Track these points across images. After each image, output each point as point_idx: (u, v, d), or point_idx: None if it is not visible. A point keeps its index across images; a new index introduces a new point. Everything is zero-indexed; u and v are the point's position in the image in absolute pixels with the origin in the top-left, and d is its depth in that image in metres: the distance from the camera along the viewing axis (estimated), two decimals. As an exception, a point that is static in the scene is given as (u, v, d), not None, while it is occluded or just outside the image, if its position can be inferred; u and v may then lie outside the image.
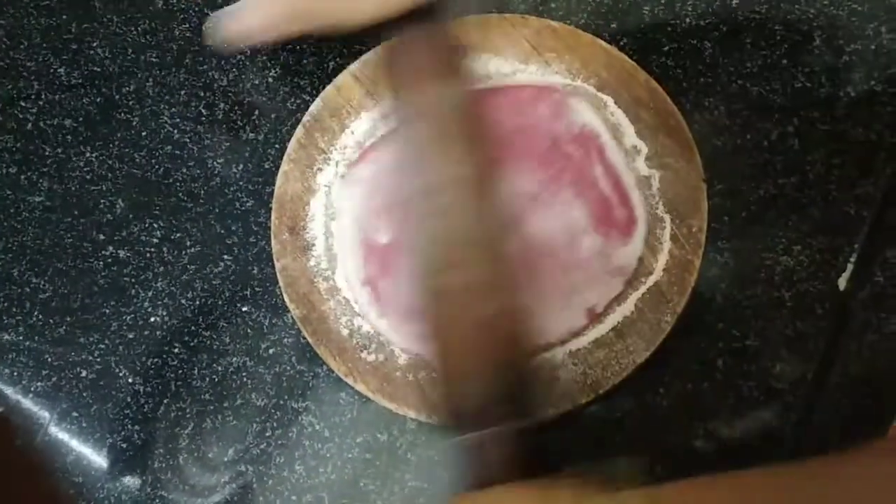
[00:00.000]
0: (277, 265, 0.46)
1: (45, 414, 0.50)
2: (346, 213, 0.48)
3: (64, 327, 0.51)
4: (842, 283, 0.46)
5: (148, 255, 0.52)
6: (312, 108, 0.49)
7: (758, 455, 0.43)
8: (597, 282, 0.45)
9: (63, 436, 0.49)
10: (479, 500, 0.33)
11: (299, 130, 0.49)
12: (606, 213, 0.46)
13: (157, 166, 0.54)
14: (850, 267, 0.46)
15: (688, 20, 0.53)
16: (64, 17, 0.59)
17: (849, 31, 0.52)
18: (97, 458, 0.49)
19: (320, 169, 0.48)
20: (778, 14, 0.53)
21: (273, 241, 0.47)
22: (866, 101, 0.50)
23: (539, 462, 0.36)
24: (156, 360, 0.50)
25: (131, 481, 0.48)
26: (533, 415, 0.36)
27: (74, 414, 0.49)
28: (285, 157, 0.48)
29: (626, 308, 0.44)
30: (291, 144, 0.49)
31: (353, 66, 0.50)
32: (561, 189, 0.47)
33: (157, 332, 0.50)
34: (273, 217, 0.47)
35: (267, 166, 0.52)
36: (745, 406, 0.44)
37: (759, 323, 0.46)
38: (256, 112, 0.54)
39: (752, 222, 0.48)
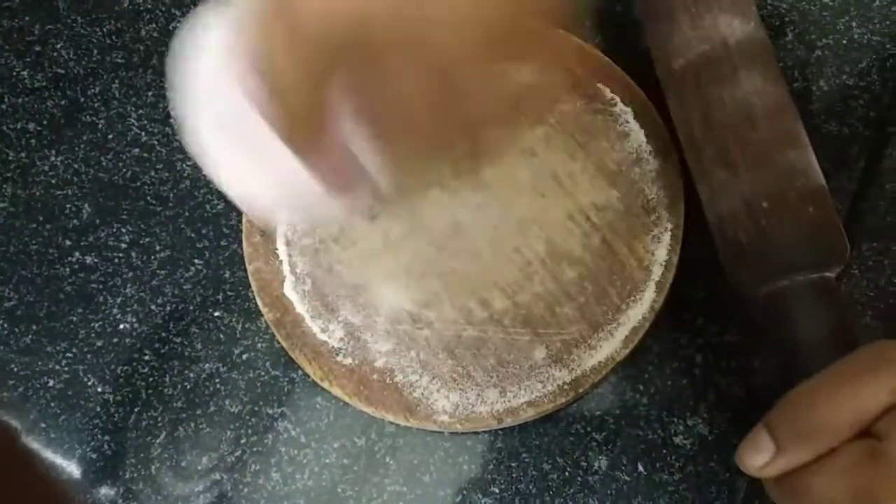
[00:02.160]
0: (249, 268, 0.45)
1: (13, 425, 0.48)
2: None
3: (30, 336, 0.49)
4: (818, 276, 0.46)
5: (116, 260, 0.50)
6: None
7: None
8: (575, 280, 0.44)
9: (31, 447, 0.48)
10: None
11: (270, 130, 0.48)
12: (583, 210, 0.46)
13: (124, 169, 0.52)
14: (825, 260, 0.46)
15: (661, 16, 0.53)
16: (26, 18, 0.57)
17: (820, 26, 0.52)
18: (67, 470, 0.47)
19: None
20: (750, 9, 0.53)
21: (245, 244, 0.46)
22: (839, 95, 0.50)
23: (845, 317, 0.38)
24: (125, 367, 0.48)
25: (103, 493, 0.47)
26: (838, 264, 0.40)
27: (42, 425, 0.48)
28: (256, 158, 0.48)
29: (606, 307, 0.44)
30: (262, 144, 0.48)
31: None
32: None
33: (127, 340, 0.49)
34: (244, 219, 0.46)
35: (238, 168, 0.51)
36: (725, 402, 0.44)
37: (738, 318, 0.46)
38: (226, 113, 0.53)
39: (728, 217, 0.48)
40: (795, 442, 0.31)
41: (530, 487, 0.43)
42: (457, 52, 0.33)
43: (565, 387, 0.42)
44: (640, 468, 0.43)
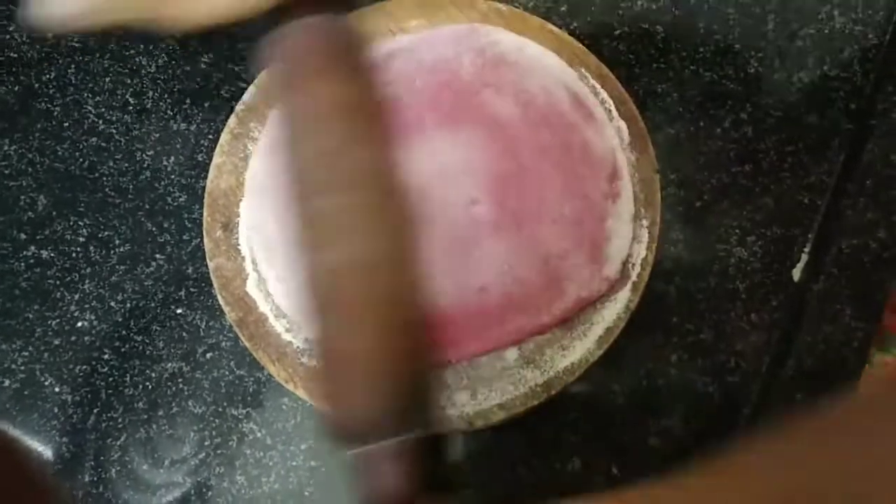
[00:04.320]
0: (210, 265, 0.44)
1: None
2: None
3: (-17, 334, 0.47)
4: (796, 274, 0.45)
5: (73, 255, 0.48)
6: (246, 95, 0.46)
7: (713, 451, 0.42)
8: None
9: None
10: None
11: (232, 120, 0.46)
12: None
13: (81, 159, 0.50)
14: (804, 258, 0.45)
15: (639, 3, 0.51)
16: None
17: (802, 15, 0.51)
18: (32, 464, 0.45)
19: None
20: (731, -3, 0.52)
21: (206, 239, 0.44)
22: (819, 86, 0.49)
23: (438, 478, 0.32)
24: (84, 367, 0.46)
25: (60, 497, 0.45)
26: (432, 425, 0.32)
27: (-3, 427, 0.46)
28: (217, 149, 0.45)
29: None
30: (224, 135, 0.46)
31: (291, 52, 0.47)
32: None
33: (86, 338, 0.47)
34: (205, 213, 0.44)
35: (200, 158, 0.49)
36: (701, 402, 0.43)
37: (713, 316, 0.45)
38: (188, 100, 0.51)
39: (705, 213, 0.47)
40: None
41: (503, 489, 0.43)
42: None
43: (537, 388, 0.41)
44: (615, 470, 0.43)
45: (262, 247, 0.43)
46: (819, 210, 0.46)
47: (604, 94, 0.45)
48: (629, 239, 0.42)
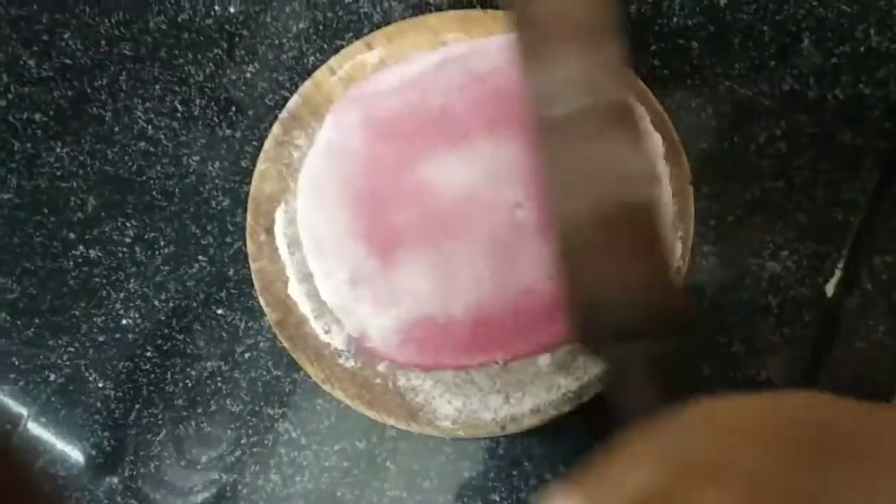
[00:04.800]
0: (253, 267, 0.45)
1: (13, 418, 0.48)
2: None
3: (32, 329, 0.49)
4: (829, 289, 0.45)
5: (120, 255, 0.50)
6: (290, 104, 0.48)
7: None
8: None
9: (30, 442, 0.48)
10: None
11: (276, 128, 0.47)
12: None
13: (129, 163, 0.52)
14: (837, 273, 0.45)
15: (675, 20, 0.52)
16: (34, 7, 0.57)
17: (838, 33, 0.51)
18: (66, 466, 0.47)
19: (297, 169, 0.46)
20: (766, 15, 0.52)
21: (248, 243, 0.46)
22: (854, 104, 0.49)
23: (684, 385, 0.34)
24: (127, 364, 0.48)
25: (102, 489, 0.46)
26: (676, 333, 0.35)
27: (42, 419, 0.48)
28: (261, 156, 0.47)
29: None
30: (268, 142, 0.47)
31: (333, 61, 0.48)
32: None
33: (129, 335, 0.48)
34: (249, 218, 0.46)
35: (244, 164, 0.51)
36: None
37: (745, 329, 0.45)
38: (234, 108, 0.52)
39: (738, 227, 0.47)
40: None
41: (531, 496, 0.43)
42: None
43: (570, 395, 0.42)
44: (644, 479, 0.43)
45: (311, 242, 0.44)
46: (852, 227, 0.46)
47: (640, 108, 0.46)
48: (669, 242, 0.43)
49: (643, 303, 0.34)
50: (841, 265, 0.45)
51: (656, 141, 0.45)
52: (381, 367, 0.43)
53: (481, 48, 0.47)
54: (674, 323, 0.35)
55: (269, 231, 0.46)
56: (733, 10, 0.52)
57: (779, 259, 0.46)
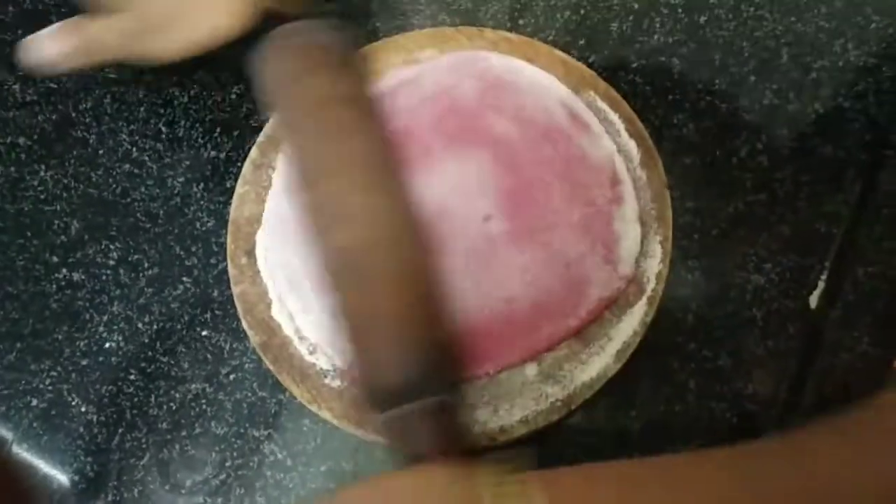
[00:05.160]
0: (235, 290, 0.45)
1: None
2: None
3: (14, 353, 0.49)
4: (813, 301, 0.45)
5: (103, 277, 0.50)
6: (267, 127, 0.48)
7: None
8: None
9: (11, 468, 0.47)
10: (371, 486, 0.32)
11: (253, 151, 0.47)
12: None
13: (114, 185, 0.52)
14: (820, 285, 0.46)
15: (656, 37, 0.53)
16: (19, 31, 0.57)
17: (816, 48, 0.52)
18: (49, 492, 0.46)
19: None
20: (745, 31, 0.53)
21: (230, 266, 0.45)
22: (834, 117, 0.50)
23: (463, 439, 0.34)
24: (110, 387, 0.47)
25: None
26: (457, 386, 0.35)
27: (24, 444, 0.47)
28: (240, 179, 0.47)
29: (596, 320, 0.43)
30: (246, 166, 0.47)
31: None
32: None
33: (113, 359, 0.48)
34: (229, 241, 0.46)
35: (229, 185, 0.51)
36: (718, 428, 0.43)
37: (730, 343, 0.45)
38: (218, 129, 0.53)
39: (722, 240, 0.47)
40: None
41: (520, 514, 0.43)
42: None
43: (558, 403, 0.42)
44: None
45: (286, 281, 0.44)
46: (835, 239, 0.46)
47: (613, 116, 0.46)
48: (637, 239, 0.44)
49: (417, 361, 0.34)
50: (824, 277, 0.46)
51: (631, 147, 0.46)
52: (366, 386, 0.43)
53: (433, 69, 0.47)
54: (448, 377, 0.35)
55: (250, 254, 0.45)
56: (713, 27, 0.53)
57: (763, 272, 0.46)
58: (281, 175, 0.46)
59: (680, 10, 0.53)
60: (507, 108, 0.46)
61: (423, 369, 0.34)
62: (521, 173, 0.44)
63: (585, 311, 0.42)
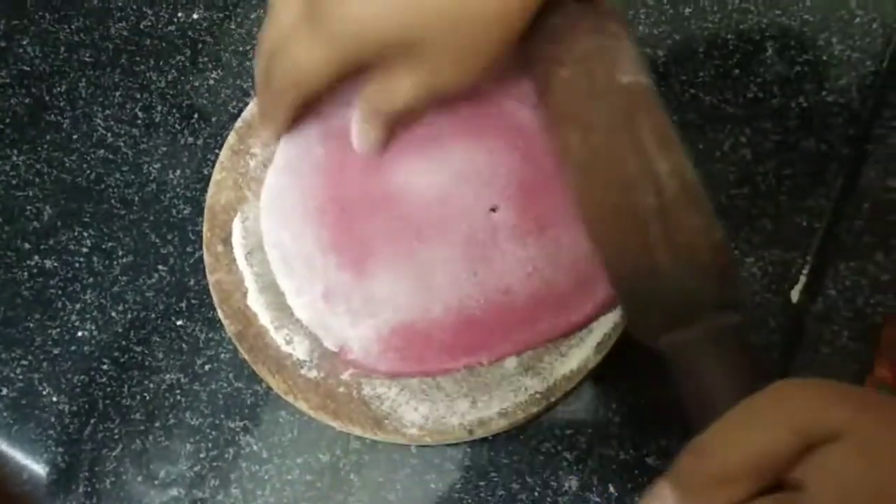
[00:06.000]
0: (210, 279, 0.44)
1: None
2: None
3: (-16, 342, 0.48)
4: (794, 295, 0.45)
5: (76, 265, 0.49)
6: (245, 112, 0.47)
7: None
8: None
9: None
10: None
11: (231, 137, 0.46)
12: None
13: (88, 171, 0.51)
14: (802, 279, 0.45)
15: (641, 28, 0.52)
16: (-11, 12, 0.55)
17: (801, 42, 0.52)
18: (19, 482, 0.45)
19: (253, 178, 0.45)
20: (730, 24, 0.52)
21: (205, 254, 0.44)
22: (818, 111, 0.50)
23: (753, 362, 0.32)
24: (83, 377, 0.47)
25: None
26: (740, 307, 0.32)
27: (-6, 435, 0.46)
28: (217, 165, 0.46)
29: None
30: (223, 151, 0.46)
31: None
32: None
33: (85, 348, 0.47)
34: (205, 229, 0.45)
35: (206, 172, 0.50)
36: (698, 422, 0.43)
37: (712, 336, 0.45)
38: (196, 115, 0.52)
39: (704, 233, 0.47)
40: (699, 495, 0.27)
41: (498, 507, 0.42)
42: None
43: (537, 396, 0.41)
44: (612, 489, 0.42)
45: (279, 261, 0.43)
46: (817, 233, 0.46)
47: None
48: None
49: (693, 271, 0.32)
50: (806, 271, 0.46)
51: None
52: (344, 376, 0.42)
53: None
54: (731, 286, 0.33)
55: (226, 242, 0.45)
56: (698, 19, 0.53)
57: (744, 265, 0.46)
58: (282, 151, 0.45)
59: (665, 2, 0.53)
60: (525, 96, 0.45)
61: (699, 281, 0.32)
62: (536, 165, 0.43)
63: (592, 306, 0.42)
